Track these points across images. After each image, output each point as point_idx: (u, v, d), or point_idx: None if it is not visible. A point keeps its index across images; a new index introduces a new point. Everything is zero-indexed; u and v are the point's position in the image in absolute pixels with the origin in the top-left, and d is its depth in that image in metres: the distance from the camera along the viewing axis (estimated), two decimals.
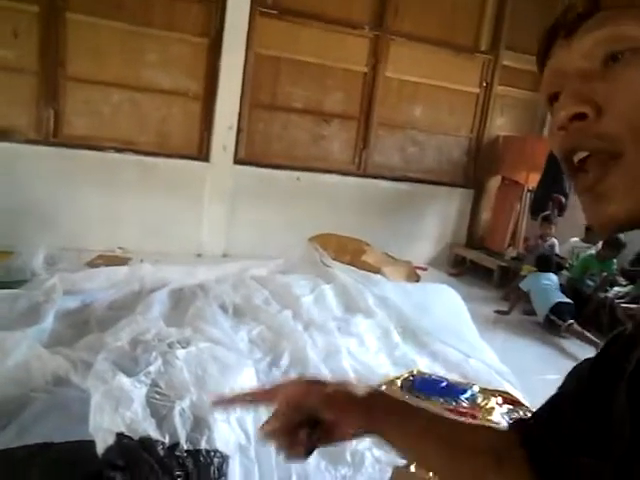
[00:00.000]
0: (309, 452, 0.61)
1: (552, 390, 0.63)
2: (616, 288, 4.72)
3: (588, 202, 0.47)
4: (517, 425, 0.66)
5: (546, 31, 0.52)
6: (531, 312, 4.62)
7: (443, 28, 5.74)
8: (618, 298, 4.57)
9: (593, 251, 5.02)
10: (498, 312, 4.69)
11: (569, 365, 0.62)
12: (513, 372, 3.00)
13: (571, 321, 4.18)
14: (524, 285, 4.67)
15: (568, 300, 4.39)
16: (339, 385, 0.64)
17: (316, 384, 0.64)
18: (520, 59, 5.81)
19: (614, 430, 0.49)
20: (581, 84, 0.46)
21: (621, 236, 4.62)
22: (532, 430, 0.63)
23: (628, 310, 4.28)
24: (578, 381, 0.60)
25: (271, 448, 1.93)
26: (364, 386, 0.65)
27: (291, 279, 3.99)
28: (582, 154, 0.47)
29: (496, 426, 0.68)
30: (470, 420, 0.69)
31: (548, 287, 4.50)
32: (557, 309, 4.29)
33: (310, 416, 0.61)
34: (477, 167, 6.23)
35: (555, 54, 0.51)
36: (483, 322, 4.10)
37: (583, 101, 0.45)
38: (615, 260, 4.84)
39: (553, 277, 4.61)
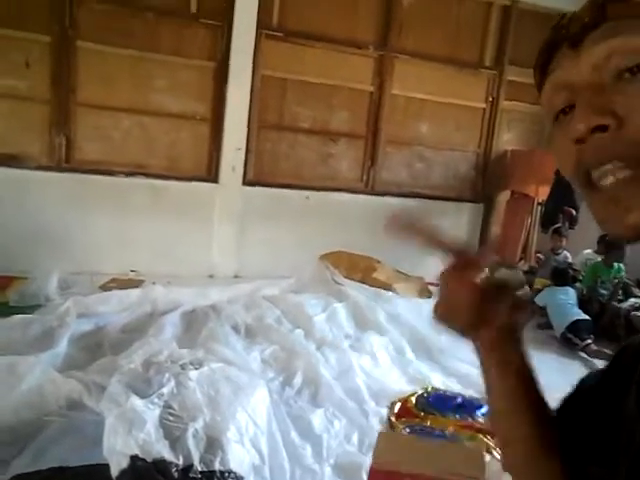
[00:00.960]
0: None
1: None
2: (632, 299, 4.66)
3: (608, 211, 0.47)
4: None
5: (547, 41, 0.52)
6: (546, 326, 4.56)
7: (447, 45, 5.78)
8: (635, 309, 4.51)
9: (599, 258, 4.99)
10: None
11: None
12: None
13: (589, 341, 4.09)
14: (540, 299, 4.62)
15: (585, 317, 4.29)
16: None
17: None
18: (525, 74, 5.82)
19: (623, 436, 0.49)
20: (595, 96, 0.45)
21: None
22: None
23: None
24: (589, 388, 0.60)
25: (285, 467, 1.90)
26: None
27: (303, 298, 3.99)
28: (605, 167, 0.45)
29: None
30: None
31: (565, 303, 4.43)
32: (574, 327, 4.20)
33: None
34: (486, 182, 6.22)
35: (560, 66, 0.50)
36: None
37: (603, 112, 0.44)
38: (623, 266, 4.79)
39: (570, 291, 4.54)
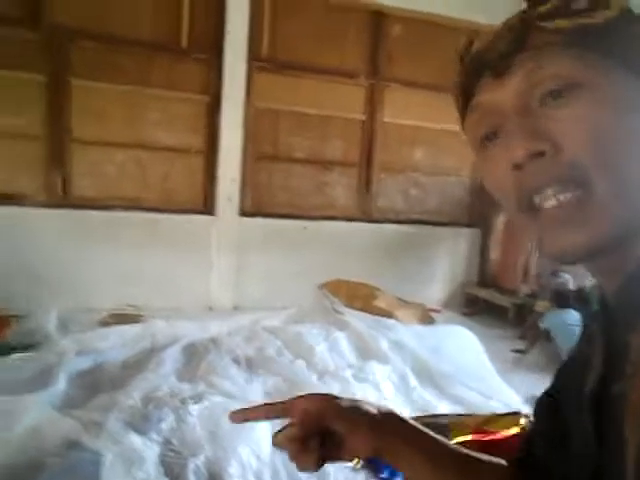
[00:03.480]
0: (320, 464, 0.63)
1: None
2: None
3: (548, 233, 0.48)
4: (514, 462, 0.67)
5: (468, 69, 0.54)
6: (552, 350, 4.51)
7: (435, 72, 5.84)
8: None
9: None
10: (516, 351, 4.59)
11: None
12: None
13: None
14: (543, 323, 4.58)
15: None
16: (353, 401, 0.66)
17: (332, 399, 0.66)
18: None
19: (578, 453, 0.50)
20: (525, 120, 0.47)
21: None
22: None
23: None
24: (542, 415, 0.63)
25: None
26: (377, 405, 0.66)
27: (303, 328, 3.95)
28: (546, 191, 0.47)
29: (497, 460, 0.67)
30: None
31: (567, 325, 4.39)
32: None
33: (323, 429, 0.63)
34: (482, 205, 6.24)
35: (484, 91, 0.51)
36: (502, 362, 4.01)
37: (539, 138, 0.46)
38: None
39: (573, 313, 4.50)
